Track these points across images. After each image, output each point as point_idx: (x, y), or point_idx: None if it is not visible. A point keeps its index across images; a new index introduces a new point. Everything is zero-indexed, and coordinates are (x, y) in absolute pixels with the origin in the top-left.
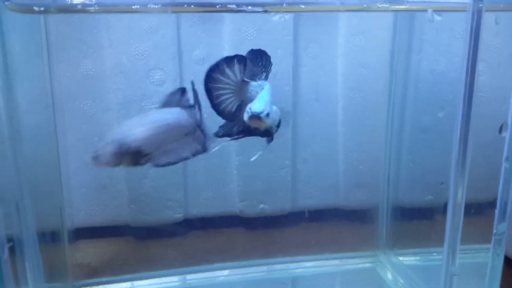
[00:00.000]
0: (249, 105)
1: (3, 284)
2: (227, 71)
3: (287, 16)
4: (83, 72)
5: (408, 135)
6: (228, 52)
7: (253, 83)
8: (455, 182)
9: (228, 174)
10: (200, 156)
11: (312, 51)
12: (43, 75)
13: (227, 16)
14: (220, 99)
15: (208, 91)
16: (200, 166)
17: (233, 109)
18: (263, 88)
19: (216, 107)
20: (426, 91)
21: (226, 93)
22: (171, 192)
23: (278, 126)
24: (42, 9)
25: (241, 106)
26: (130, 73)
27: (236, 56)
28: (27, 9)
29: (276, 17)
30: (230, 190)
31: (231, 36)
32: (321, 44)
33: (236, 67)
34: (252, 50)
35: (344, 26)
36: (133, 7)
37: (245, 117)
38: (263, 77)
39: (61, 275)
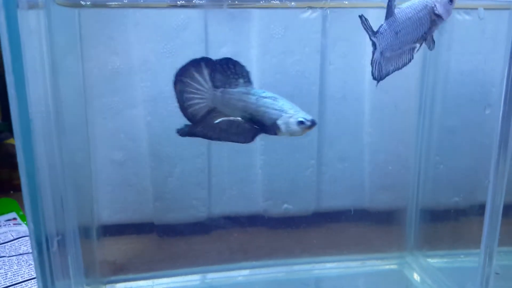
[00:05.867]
0: (286, 115)
1: (45, 277)
2: (196, 75)
3: (315, 14)
4: (111, 69)
5: (438, 136)
6: (256, 49)
7: (256, 91)
8: (494, 183)
9: (253, 174)
10: (225, 155)
11: (340, 49)
12: (78, 71)
13: (256, 13)
14: (189, 102)
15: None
16: (224, 165)
17: (202, 113)
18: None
19: (184, 110)
20: (455, 92)
21: (195, 97)
22: (196, 190)
23: None
24: (88, 3)
25: (210, 112)
26: (157, 70)
27: (203, 59)
28: (74, 4)
29: (307, 14)
30: (254, 189)
31: (258, 33)
32: (349, 42)
33: (205, 71)
34: (223, 58)
35: (373, 23)
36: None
37: (292, 126)
38: (239, 84)
39: (90, 270)
